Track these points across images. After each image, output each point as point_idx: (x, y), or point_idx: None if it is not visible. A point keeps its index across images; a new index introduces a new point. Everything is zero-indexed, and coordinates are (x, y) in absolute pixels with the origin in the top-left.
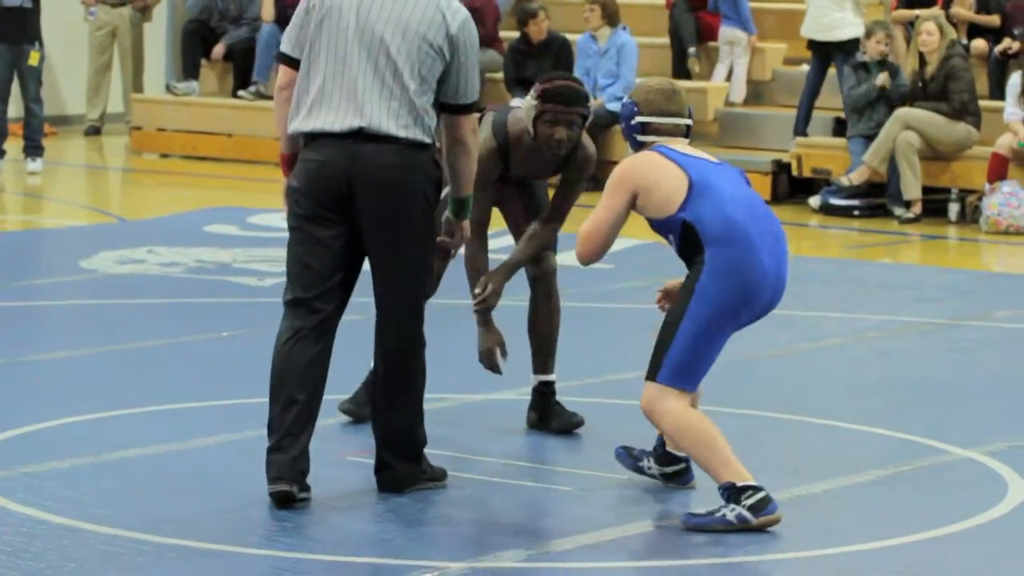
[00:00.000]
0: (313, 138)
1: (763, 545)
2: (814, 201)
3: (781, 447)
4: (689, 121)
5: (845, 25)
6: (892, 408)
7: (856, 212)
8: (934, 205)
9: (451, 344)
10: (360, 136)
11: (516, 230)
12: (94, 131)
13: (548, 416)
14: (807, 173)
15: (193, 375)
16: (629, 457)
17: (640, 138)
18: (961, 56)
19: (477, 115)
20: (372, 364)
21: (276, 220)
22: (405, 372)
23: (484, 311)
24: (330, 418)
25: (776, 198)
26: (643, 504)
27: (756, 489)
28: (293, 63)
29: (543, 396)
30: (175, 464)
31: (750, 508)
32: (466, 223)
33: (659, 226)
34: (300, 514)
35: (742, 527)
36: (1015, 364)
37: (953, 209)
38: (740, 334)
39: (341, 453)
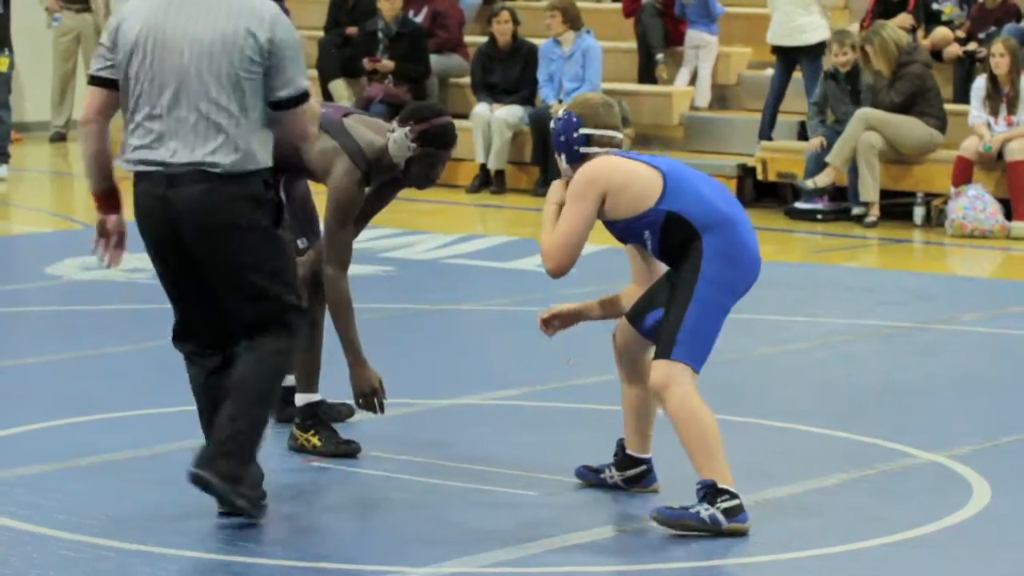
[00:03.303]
0: (135, 175)
1: (729, 549)
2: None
3: (746, 451)
4: (622, 135)
5: (812, 29)
6: (857, 411)
7: (819, 216)
8: (899, 209)
9: (414, 350)
10: (172, 175)
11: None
12: (59, 137)
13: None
14: (772, 177)
15: (158, 381)
16: (591, 472)
17: (583, 150)
18: (921, 62)
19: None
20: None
21: None
22: (263, 391)
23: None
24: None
25: (741, 202)
26: (609, 508)
27: (733, 495)
28: (109, 84)
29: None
30: (140, 470)
31: (724, 511)
32: None
33: (631, 224)
34: (266, 520)
35: (712, 529)
36: (980, 367)
37: (918, 213)
38: None
39: (307, 459)
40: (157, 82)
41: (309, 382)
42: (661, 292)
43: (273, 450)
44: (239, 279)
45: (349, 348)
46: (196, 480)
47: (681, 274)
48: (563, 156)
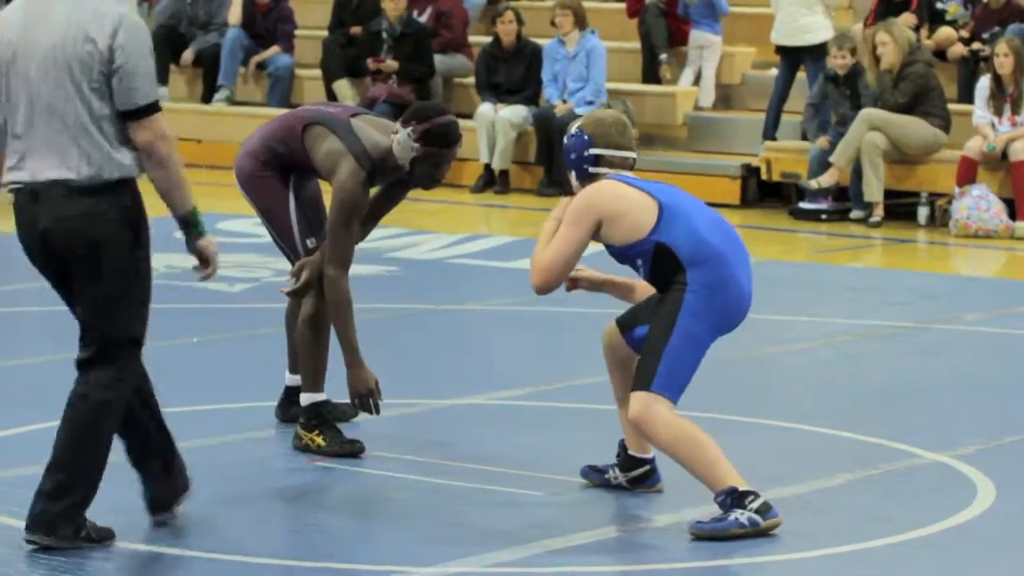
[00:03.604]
0: (13, 192)
1: (734, 550)
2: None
3: (750, 451)
4: (636, 155)
5: (816, 29)
6: (861, 412)
7: (823, 216)
8: (903, 209)
9: (418, 349)
10: (35, 191)
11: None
12: None
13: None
14: (776, 177)
15: (162, 381)
16: (595, 472)
17: (592, 170)
18: (924, 62)
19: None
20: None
21: (247, 226)
22: (85, 426)
23: (296, 296)
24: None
25: (745, 202)
26: (612, 508)
27: (756, 495)
28: None
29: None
30: None
31: (757, 511)
32: (209, 241)
33: (625, 251)
34: (270, 519)
35: (753, 531)
36: (984, 367)
37: (922, 213)
38: None
39: (310, 458)
40: (13, 100)
41: (315, 382)
42: (647, 311)
43: (278, 450)
44: (87, 298)
45: (347, 348)
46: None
47: (665, 306)
48: (573, 173)
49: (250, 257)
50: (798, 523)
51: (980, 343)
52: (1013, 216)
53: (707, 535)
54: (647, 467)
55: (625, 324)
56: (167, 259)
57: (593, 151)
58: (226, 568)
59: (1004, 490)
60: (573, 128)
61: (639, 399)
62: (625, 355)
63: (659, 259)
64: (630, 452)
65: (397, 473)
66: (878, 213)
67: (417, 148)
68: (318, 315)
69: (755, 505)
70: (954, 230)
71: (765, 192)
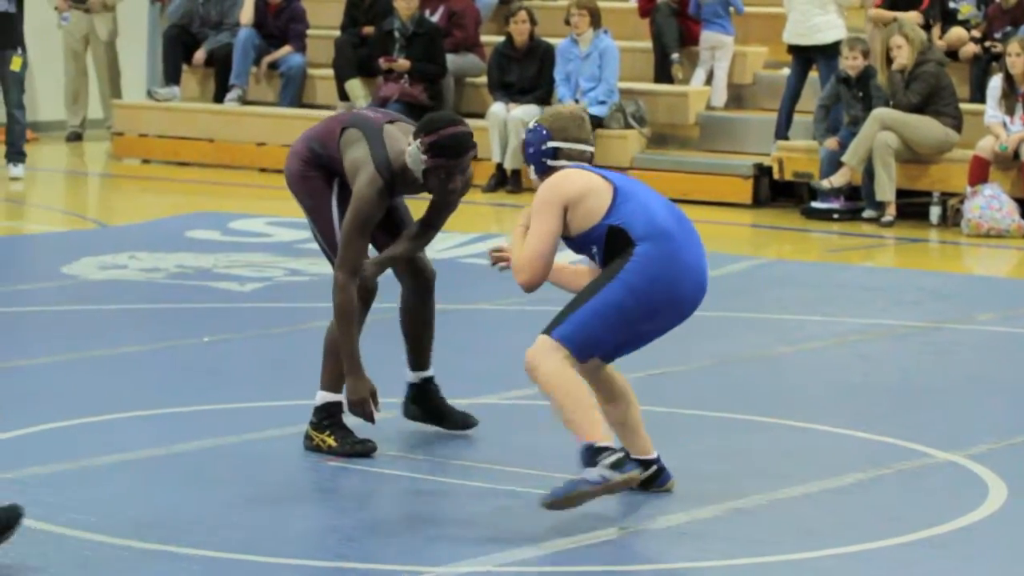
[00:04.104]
0: None
1: (743, 548)
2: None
3: (761, 450)
4: (593, 148)
5: (828, 28)
6: (873, 411)
7: (836, 216)
8: (915, 208)
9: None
10: None
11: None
12: (76, 137)
13: (438, 415)
14: (788, 177)
15: (174, 380)
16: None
17: (551, 163)
18: (936, 61)
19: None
20: None
21: (257, 225)
22: None
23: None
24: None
25: (757, 202)
26: (622, 508)
27: (614, 450)
28: None
29: (426, 392)
30: (156, 469)
31: (610, 466)
32: None
33: (582, 239)
34: (280, 519)
35: (605, 487)
36: (996, 367)
37: (934, 212)
38: (718, 337)
39: (320, 458)
40: None
41: (335, 384)
42: None
43: (289, 450)
44: None
45: (347, 356)
46: None
47: (606, 269)
48: (532, 167)
49: (261, 257)
50: (809, 522)
51: (992, 343)
52: None
53: (557, 503)
54: (654, 467)
55: None
56: (177, 258)
57: (551, 144)
58: (238, 567)
59: (1016, 490)
60: (531, 123)
61: (537, 341)
62: (596, 370)
63: (612, 240)
64: (633, 456)
65: (408, 473)
66: (890, 213)
67: (426, 160)
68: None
69: (609, 460)
70: (966, 230)
71: (777, 192)
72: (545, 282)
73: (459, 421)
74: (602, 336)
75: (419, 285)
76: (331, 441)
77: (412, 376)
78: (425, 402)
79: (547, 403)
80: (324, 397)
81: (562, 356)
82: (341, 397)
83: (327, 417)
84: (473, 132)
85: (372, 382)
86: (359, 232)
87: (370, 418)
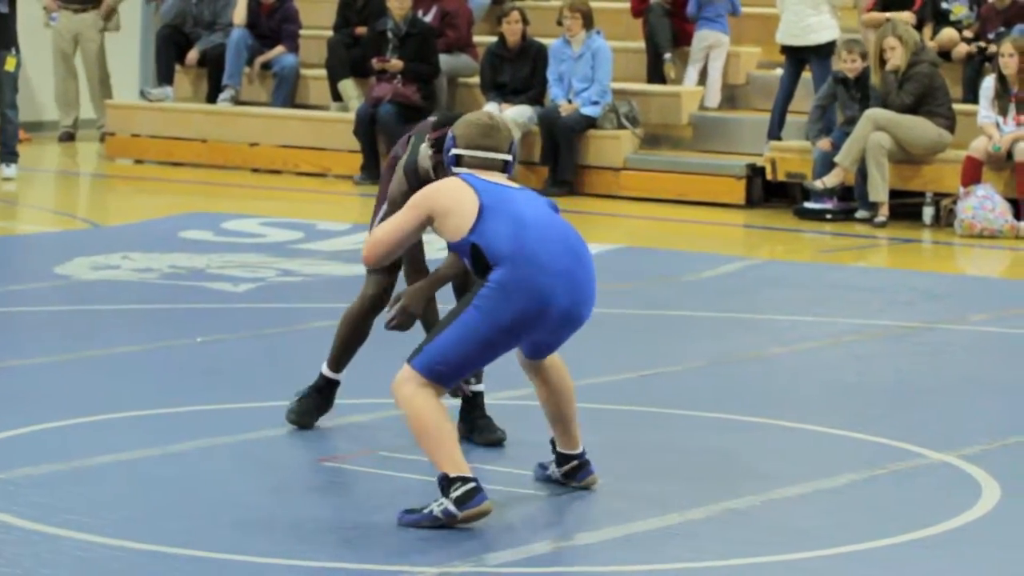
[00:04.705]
0: None
1: (738, 549)
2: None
3: (755, 451)
4: (507, 156)
5: (822, 28)
6: (866, 412)
7: (828, 216)
8: (908, 209)
9: None
10: None
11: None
12: (68, 137)
13: (472, 429)
14: (781, 177)
15: (167, 381)
16: (540, 468)
17: (455, 170)
18: (929, 62)
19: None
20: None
21: (251, 226)
22: None
23: (397, 330)
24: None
25: (750, 202)
26: (615, 509)
27: (466, 480)
28: None
29: (469, 407)
30: (149, 470)
31: (455, 500)
32: None
33: (454, 248)
34: (275, 519)
35: (448, 521)
36: (989, 367)
37: (927, 213)
38: (711, 337)
39: (316, 458)
40: None
41: (333, 363)
42: None
43: (282, 450)
44: None
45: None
46: None
47: (465, 296)
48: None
49: (254, 257)
50: (803, 522)
51: (985, 343)
52: (1018, 216)
53: (406, 524)
54: (576, 462)
55: None
56: (171, 259)
57: (454, 151)
58: (232, 568)
59: (1009, 490)
60: (450, 130)
61: (401, 371)
62: (523, 362)
63: (474, 258)
64: (559, 449)
65: (402, 473)
66: (883, 213)
67: (432, 156)
68: (357, 313)
69: (457, 493)
70: (959, 230)
71: (770, 192)
72: (386, 264)
73: (489, 439)
74: (462, 362)
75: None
76: (294, 402)
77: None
78: (464, 414)
79: (538, 404)
80: (324, 370)
81: (418, 384)
82: (339, 378)
83: (314, 390)
84: None
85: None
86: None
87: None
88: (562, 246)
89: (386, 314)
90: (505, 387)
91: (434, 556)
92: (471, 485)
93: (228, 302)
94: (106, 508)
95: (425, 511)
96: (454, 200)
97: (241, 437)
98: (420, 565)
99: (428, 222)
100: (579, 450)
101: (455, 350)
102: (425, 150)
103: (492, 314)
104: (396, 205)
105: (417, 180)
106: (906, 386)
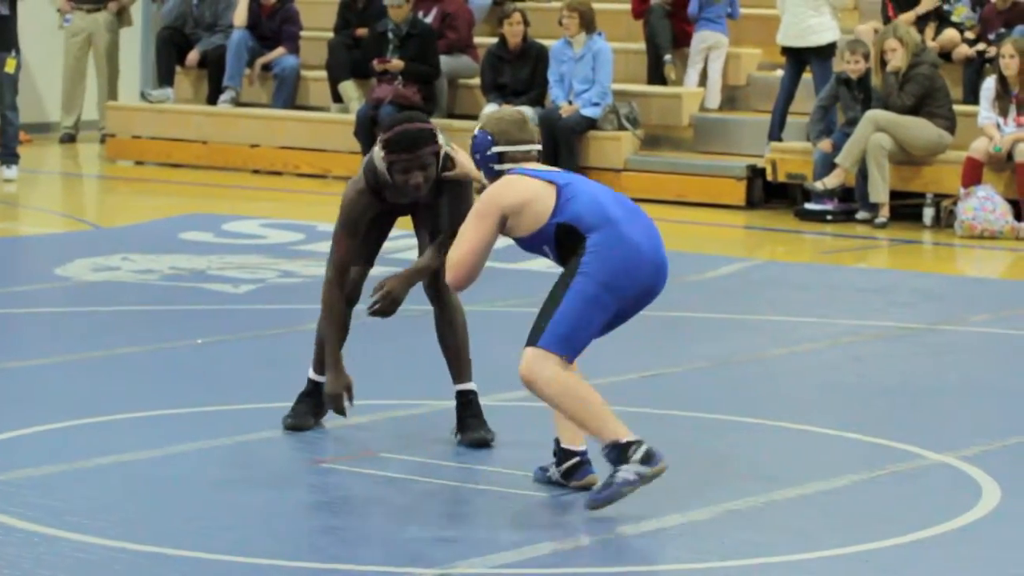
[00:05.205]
0: None
1: (739, 549)
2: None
3: (755, 452)
4: (539, 146)
5: (823, 30)
6: (867, 413)
7: (829, 217)
8: (909, 210)
9: (423, 350)
10: None
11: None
12: (69, 138)
13: (462, 428)
14: (782, 178)
15: (168, 382)
16: (541, 471)
17: (497, 167)
18: (929, 63)
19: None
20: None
21: (251, 227)
22: None
23: (379, 316)
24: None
25: (751, 203)
26: (616, 510)
27: (639, 443)
28: None
29: (459, 407)
30: (150, 471)
31: (640, 461)
32: None
33: (532, 240)
34: (274, 520)
35: (641, 482)
36: (989, 368)
37: (928, 214)
38: (712, 338)
39: (315, 460)
40: None
41: (319, 366)
42: None
43: (282, 452)
44: None
45: (329, 350)
46: None
47: (564, 270)
48: (482, 171)
49: (255, 258)
50: (803, 524)
51: (986, 344)
52: (1019, 217)
53: (602, 505)
54: (577, 459)
55: None
56: (171, 260)
57: (495, 149)
58: (231, 569)
59: (1009, 491)
60: (476, 129)
61: (526, 355)
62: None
63: (562, 238)
64: (562, 445)
65: (402, 474)
66: (884, 214)
67: (384, 156)
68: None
69: (638, 455)
70: (960, 231)
71: (771, 193)
72: (473, 283)
73: (473, 438)
74: (584, 331)
75: (443, 314)
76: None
77: (456, 387)
78: (457, 412)
79: (542, 405)
80: (315, 376)
81: (555, 363)
82: (321, 379)
83: (307, 394)
84: (435, 129)
85: (349, 377)
86: (345, 231)
87: (342, 412)
88: (634, 211)
89: (369, 300)
90: (506, 388)
91: (434, 557)
92: (647, 446)
93: (228, 303)
94: (106, 509)
95: (616, 483)
96: (526, 193)
97: (241, 438)
98: (420, 566)
99: (502, 225)
100: (583, 447)
101: (576, 317)
102: (377, 151)
103: (598, 275)
104: (351, 201)
105: (375, 179)
106: (907, 387)
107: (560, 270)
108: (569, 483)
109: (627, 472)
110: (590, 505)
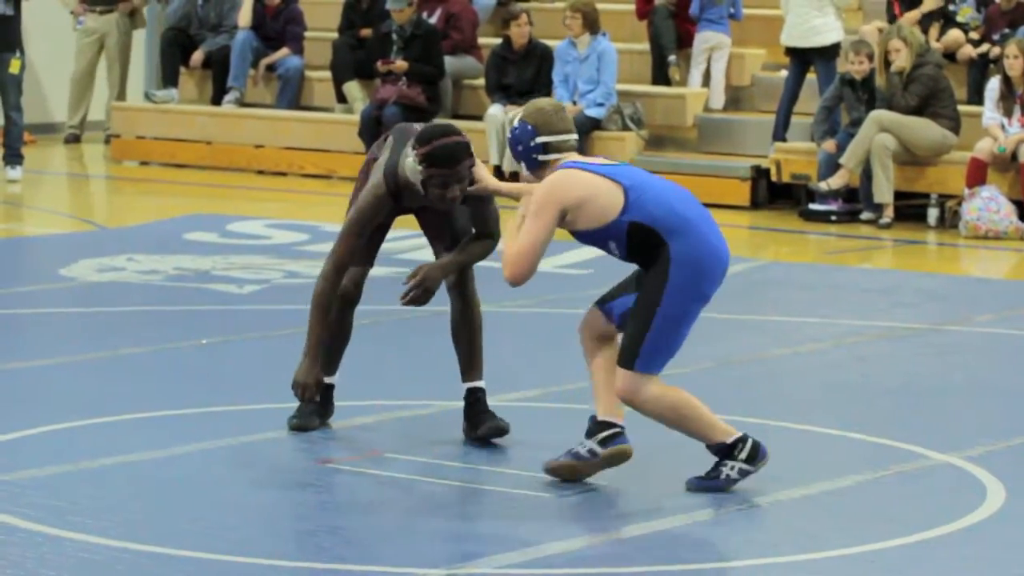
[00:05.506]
0: None
1: (742, 550)
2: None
3: None
4: (576, 136)
5: (827, 31)
6: (871, 413)
7: (833, 217)
8: (913, 210)
9: (428, 351)
10: None
11: (437, 250)
12: (74, 139)
13: (474, 424)
14: (786, 179)
15: (172, 383)
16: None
17: (541, 158)
18: (934, 64)
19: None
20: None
21: (256, 228)
22: None
23: (412, 304)
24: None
25: (755, 204)
26: (618, 510)
27: (744, 441)
28: None
29: (470, 404)
30: (154, 472)
31: (746, 459)
32: None
33: (596, 234)
34: (278, 521)
35: (746, 476)
36: (993, 368)
37: (932, 214)
38: (716, 339)
39: (320, 460)
40: None
41: (325, 366)
42: (630, 283)
43: (286, 452)
44: None
45: (311, 341)
46: None
47: (649, 281)
48: (523, 164)
49: (259, 259)
50: (807, 524)
51: (990, 344)
52: (1023, 217)
53: (699, 490)
54: (616, 429)
55: (603, 300)
56: (176, 261)
57: (539, 140)
58: (234, 569)
59: (1014, 491)
60: (515, 121)
61: (625, 378)
62: (602, 329)
63: (635, 236)
64: (600, 418)
65: (407, 474)
66: (888, 215)
67: (421, 171)
68: (335, 313)
69: (744, 455)
70: (964, 231)
71: (775, 194)
72: (531, 277)
73: (490, 427)
74: (676, 342)
75: (465, 310)
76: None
77: (462, 388)
78: (465, 411)
79: (545, 406)
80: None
81: (653, 383)
82: (331, 380)
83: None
84: (470, 142)
85: (320, 374)
86: (354, 231)
87: (306, 399)
88: (700, 207)
89: (403, 288)
90: (511, 389)
91: (437, 557)
92: (751, 441)
93: (233, 304)
94: (110, 509)
95: (721, 477)
96: (587, 189)
97: (245, 439)
98: (423, 566)
99: (561, 219)
100: (622, 422)
101: (669, 338)
102: (413, 165)
103: (687, 288)
104: (368, 204)
105: (396, 183)
106: (911, 387)
107: (620, 264)
108: (605, 449)
109: (731, 469)
110: (690, 487)
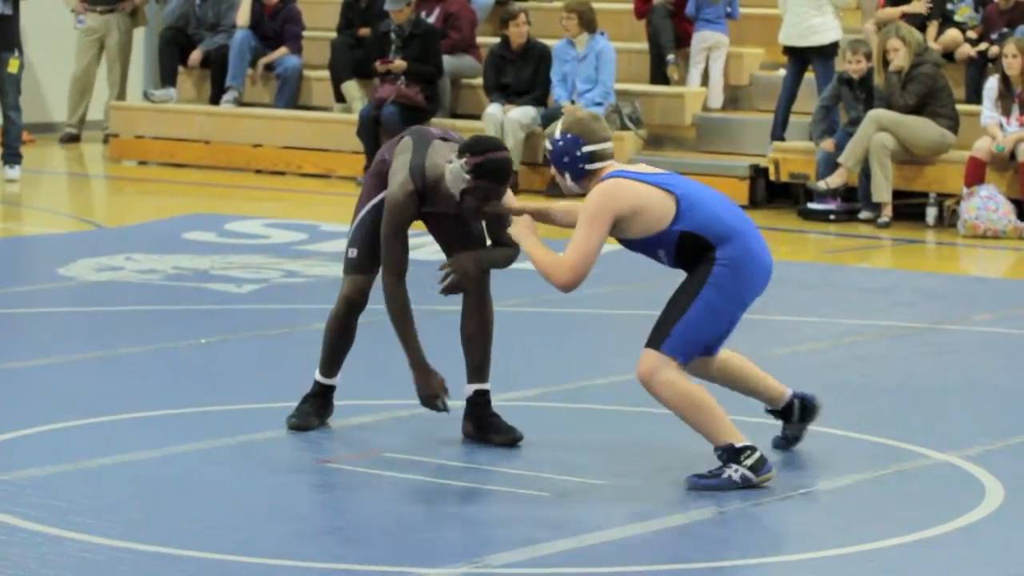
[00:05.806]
0: None
1: (742, 549)
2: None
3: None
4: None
5: (825, 30)
6: (869, 412)
7: (832, 216)
8: (912, 209)
9: (426, 350)
10: None
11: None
12: (71, 138)
13: (485, 428)
14: (784, 178)
15: (171, 382)
16: (778, 439)
17: (588, 167)
18: (932, 63)
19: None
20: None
21: (254, 227)
22: None
23: (451, 292)
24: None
25: (754, 203)
26: (622, 508)
27: (752, 449)
28: None
29: (478, 406)
30: (154, 471)
31: (751, 468)
32: None
33: (646, 243)
34: (277, 520)
35: (745, 485)
36: (992, 368)
37: (931, 213)
38: None
39: (320, 460)
40: None
41: (325, 369)
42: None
43: (286, 451)
44: None
45: (410, 354)
46: None
47: (693, 275)
48: (567, 175)
49: (258, 258)
50: (806, 523)
51: (989, 344)
52: (1022, 216)
53: (698, 488)
54: (789, 400)
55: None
56: (174, 260)
57: (586, 149)
58: (234, 568)
59: (1012, 491)
60: (556, 133)
61: (647, 357)
62: (700, 363)
63: (685, 245)
64: (772, 409)
65: (406, 474)
66: (886, 214)
67: (468, 180)
68: (337, 316)
69: (749, 461)
70: (963, 231)
71: (773, 193)
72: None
73: (507, 438)
74: (705, 336)
75: (479, 311)
76: (294, 410)
77: (467, 389)
78: (471, 413)
79: (547, 406)
80: (318, 377)
81: (674, 367)
82: (332, 382)
83: (313, 395)
84: (512, 160)
85: (440, 375)
86: (394, 235)
87: (443, 409)
88: (745, 216)
89: (441, 274)
90: (510, 388)
91: (436, 557)
92: (759, 453)
93: (231, 303)
94: (110, 509)
95: (723, 477)
96: (640, 199)
97: (244, 438)
98: (422, 566)
99: (612, 228)
100: (788, 393)
101: (700, 326)
102: (459, 171)
103: (728, 287)
104: (399, 203)
105: (423, 184)
106: (910, 386)
107: (669, 272)
108: (807, 423)
109: (735, 472)
110: (689, 486)
